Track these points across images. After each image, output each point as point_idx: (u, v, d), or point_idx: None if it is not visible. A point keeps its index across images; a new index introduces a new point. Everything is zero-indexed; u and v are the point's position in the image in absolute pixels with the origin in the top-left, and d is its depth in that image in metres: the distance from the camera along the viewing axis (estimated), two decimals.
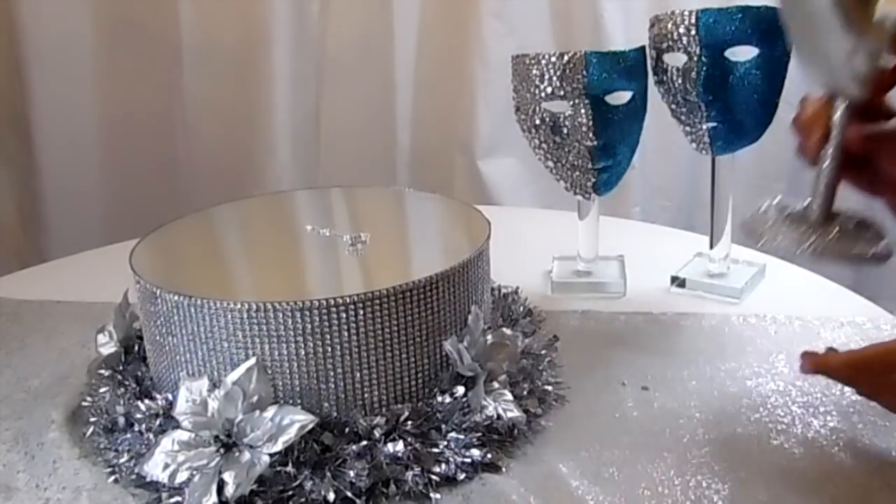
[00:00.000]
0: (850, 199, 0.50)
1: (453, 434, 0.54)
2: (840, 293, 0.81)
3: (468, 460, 0.54)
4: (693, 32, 0.71)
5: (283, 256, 0.67)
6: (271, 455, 0.51)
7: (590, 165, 0.75)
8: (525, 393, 0.60)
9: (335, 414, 0.54)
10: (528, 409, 0.59)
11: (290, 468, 0.51)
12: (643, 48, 0.75)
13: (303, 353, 0.53)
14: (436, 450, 0.54)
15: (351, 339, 0.53)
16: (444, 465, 0.53)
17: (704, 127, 0.74)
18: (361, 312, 0.53)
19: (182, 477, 0.51)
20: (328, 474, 0.51)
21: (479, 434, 0.55)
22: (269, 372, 0.53)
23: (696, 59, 0.71)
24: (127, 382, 0.60)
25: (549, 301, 0.79)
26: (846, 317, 0.74)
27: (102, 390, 0.61)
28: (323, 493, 0.51)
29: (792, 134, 0.50)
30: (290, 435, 0.51)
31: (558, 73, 0.72)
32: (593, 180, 0.76)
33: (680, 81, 0.73)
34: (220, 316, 0.53)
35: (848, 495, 0.52)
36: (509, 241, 0.74)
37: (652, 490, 0.53)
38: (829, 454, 0.55)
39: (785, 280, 0.84)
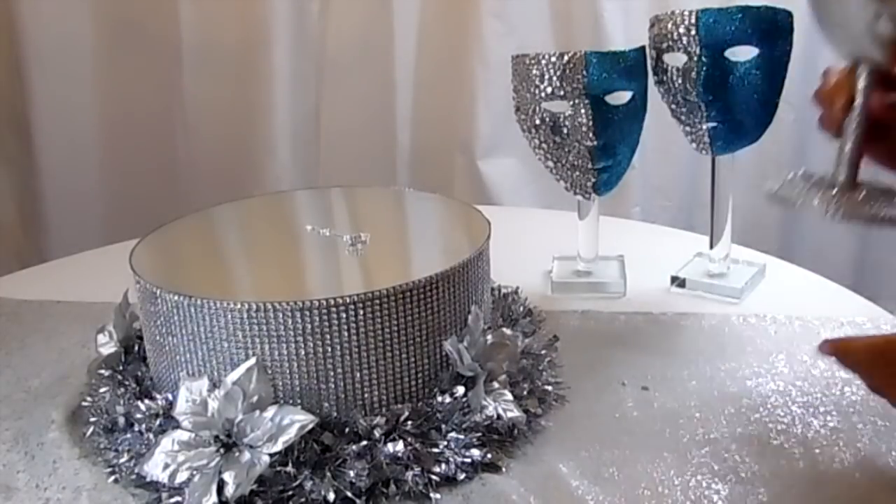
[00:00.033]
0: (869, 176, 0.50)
1: (453, 434, 0.54)
2: (840, 293, 0.81)
3: (468, 460, 0.54)
4: (693, 32, 0.71)
5: (283, 256, 0.67)
6: (271, 455, 0.51)
7: (590, 165, 0.75)
8: (525, 393, 0.60)
9: (335, 414, 0.54)
10: (528, 409, 0.59)
11: (290, 468, 0.51)
12: (643, 48, 0.75)
13: (303, 353, 0.53)
14: (436, 450, 0.54)
15: (351, 339, 0.53)
16: (444, 465, 0.53)
17: (704, 127, 0.74)
18: (361, 312, 0.53)
19: (182, 477, 0.51)
20: (328, 474, 0.51)
21: (479, 434, 0.55)
22: (269, 372, 0.53)
23: (696, 59, 0.71)
24: (127, 382, 0.60)
25: (549, 301, 0.79)
26: (846, 317, 0.74)
27: (102, 390, 0.61)
28: (323, 493, 0.51)
29: (814, 106, 0.50)
30: (290, 435, 0.51)
31: (558, 73, 0.72)
32: (593, 180, 0.76)
33: (680, 81, 0.73)
34: (220, 316, 0.53)
35: (848, 495, 0.52)
36: (509, 241, 0.74)
37: (652, 490, 0.53)
38: (829, 454, 0.55)
39: (785, 280, 0.84)
